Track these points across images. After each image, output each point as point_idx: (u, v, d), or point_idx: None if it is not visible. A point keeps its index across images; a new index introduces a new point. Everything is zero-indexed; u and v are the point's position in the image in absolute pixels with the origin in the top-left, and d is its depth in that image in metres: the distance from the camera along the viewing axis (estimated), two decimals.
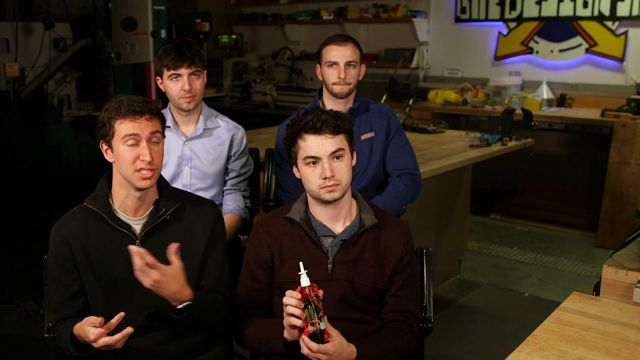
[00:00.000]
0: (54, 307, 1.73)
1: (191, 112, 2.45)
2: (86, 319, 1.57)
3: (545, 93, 5.31)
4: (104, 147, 1.68)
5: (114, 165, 1.69)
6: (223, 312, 1.78)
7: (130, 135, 1.62)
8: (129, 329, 1.53)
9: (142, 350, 1.72)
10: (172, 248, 1.58)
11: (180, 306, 1.62)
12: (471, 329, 3.37)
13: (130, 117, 1.62)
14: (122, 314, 1.54)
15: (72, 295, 1.71)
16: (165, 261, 1.72)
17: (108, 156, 1.69)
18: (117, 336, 1.52)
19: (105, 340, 1.51)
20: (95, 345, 1.53)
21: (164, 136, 1.71)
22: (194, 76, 2.35)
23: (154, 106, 1.67)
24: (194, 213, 1.78)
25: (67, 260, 1.69)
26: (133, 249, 1.53)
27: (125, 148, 1.63)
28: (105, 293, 1.71)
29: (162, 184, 1.78)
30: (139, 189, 1.67)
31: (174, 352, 1.76)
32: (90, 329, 1.53)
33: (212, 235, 1.79)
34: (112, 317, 1.65)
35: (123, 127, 1.62)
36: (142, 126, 1.62)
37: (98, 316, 1.70)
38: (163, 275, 1.55)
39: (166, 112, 2.45)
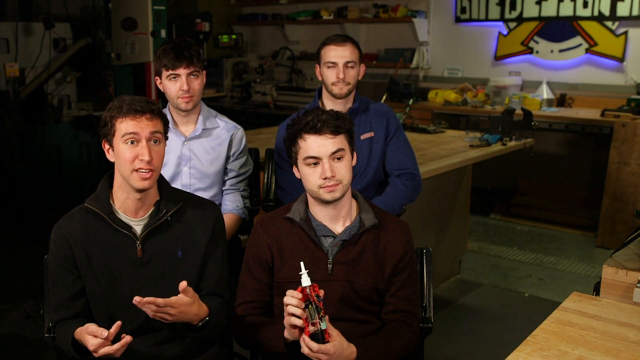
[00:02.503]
0: (54, 307, 1.73)
1: (190, 112, 2.45)
2: (86, 326, 1.57)
3: (545, 93, 5.31)
4: (106, 146, 1.69)
5: (115, 165, 1.70)
6: (225, 316, 1.79)
7: (130, 133, 1.62)
8: (128, 338, 1.52)
9: (142, 350, 1.72)
10: (182, 285, 1.58)
11: (200, 323, 1.67)
12: (471, 329, 3.37)
13: (131, 116, 1.62)
14: (119, 323, 1.54)
15: (72, 295, 1.71)
16: (165, 261, 1.72)
17: (110, 156, 1.69)
18: (117, 345, 1.52)
19: (105, 350, 1.52)
20: (96, 355, 1.54)
21: (166, 137, 1.72)
22: (192, 76, 2.35)
23: (156, 106, 1.68)
24: (194, 214, 1.78)
25: (68, 261, 1.70)
26: (137, 299, 1.53)
27: (125, 147, 1.63)
28: (106, 294, 1.71)
29: (162, 185, 1.78)
30: (138, 190, 1.67)
31: (173, 352, 1.76)
32: (89, 338, 1.53)
33: (213, 237, 1.79)
34: (113, 317, 1.66)
35: (123, 126, 1.63)
36: (142, 125, 1.63)
37: (99, 317, 1.71)
38: (180, 306, 1.58)
39: (165, 112, 2.45)
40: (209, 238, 1.78)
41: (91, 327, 1.54)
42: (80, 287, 1.71)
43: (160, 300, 1.54)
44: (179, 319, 1.61)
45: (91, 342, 1.52)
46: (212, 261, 1.79)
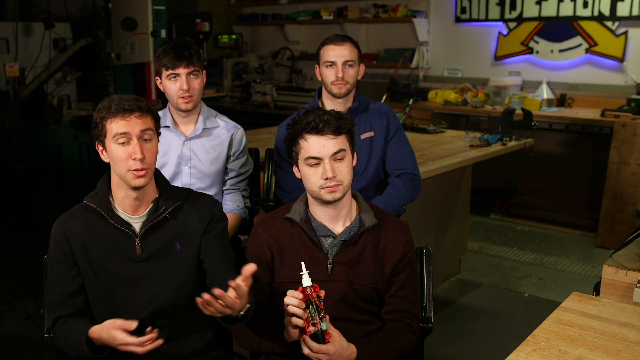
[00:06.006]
0: (53, 304, 1.72)
1: (190, 112, 2.44)
2: (112, 321, 1.55)
3: (545, 93, 5.31)
4: (100, 148, 1.69)
5: (110, 165, 1.70)
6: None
7: (121, 134, 1.62)
8: (159, 341, 1.52)
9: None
10: (249, 271, 1.51)
11: (242, 312, 1.59)
12: (471, 329, 3.37)
13: (120, 116, 1.62)
14: (153, 330, 1.53)
15: (71, 292, 1.70)
16: (164, 257, 1.72)
17: (104, 157, 1.69)
18: (148, 347, 1.52)
19: (133, 348, 1.51)
20: (122, 348, 1.53)
21: (158, 134, 1.71)
22: (192, 76, 2.35)
23: (144, 103, 1.67)
24: (190, 207, 1.78)
25: (68, 257, 1.70)
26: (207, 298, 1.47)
27: (117, 147, 1.63)
28: (106, 291, 1.71)
29: (161, 182, 1.78)
30: (135, 188, 1.67)
31: (174, 352, 1.76)
32: (117, 333, 1.52)
33: (209, 224, 1.77)
34: (113, 314, 1.66)
35: (114, 126, 1.62)
36: (132, 124, 1.62)
37: (99, 314, 1.71)
38: (245, 293, 1.52)
39: (166, 112, 2.45)
40: (206, 224, 1.77)
41: (118, 321, 1.53)
42: (79, 283, 1.71)
43: (239, 288, 1.48)
44: (232, 309, 1.53)
45: (121, 337, 1.51)
46: (209, 239, 1.76)
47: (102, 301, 1.72)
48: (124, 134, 1.62)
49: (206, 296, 1.47)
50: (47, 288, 1.82)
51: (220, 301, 1.48)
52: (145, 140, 1.65)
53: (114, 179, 1.70)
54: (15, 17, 4.95)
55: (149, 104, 1.70)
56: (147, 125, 1.65)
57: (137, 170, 1.63)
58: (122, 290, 1.71)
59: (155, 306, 1.71)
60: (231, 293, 1.50)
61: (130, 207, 1.71)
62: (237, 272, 1.76)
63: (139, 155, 1.61)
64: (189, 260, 1.74)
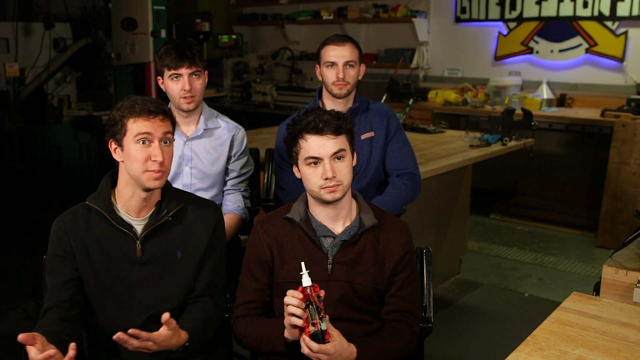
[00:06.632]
0: (46, 297, 1.69)
1: (192, 113, 2.45)
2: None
3: (545, 93, 5.31)
4: (114, 145, 1.68)
5: (120, 164, 1.69)
6: (213, 325, 1.78)
7: (144, 133, 1.62)
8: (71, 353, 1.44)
9: (140, 350, 1.71)
10: (165, 318, 1.56)
11: (180, 349, 1.65)
12: (471, 329, 3.37)
13: (145, 117, 1.63)
14: (73, 344, 1.46)
15: (65, 281, 1.66)
16: (165, 261, 1.72)
17: (117, 155, 1.69)
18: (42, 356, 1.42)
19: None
20: None
21: (173, 138, 1.72)
22: (194, 76, 2.35)
23: (167, 107, 1.69)
24: (195, 214, 1.78)
25: (67, 253, 1.69)
26: (121, 336, 1.49)
27: (137, 147, 1.63)
28: (104, 292, 1.70)
29: (165, 185, 1.78)
30: (146, 190, 1.67)
31: (174, 353, 1.75)
32: (31, 349, 1.46)
33: (212, 238, 1.79)
34: (109, 314, 1.65)
35: (136, 126, 1.63)
36: (155, 126, 1.63)
37: (94, 313, 1.69)
38: (161, 342, 1.56)
39: None
40: (209, 239, 1.78)
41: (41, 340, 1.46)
42: (75, 276, 1.68)
43: (144, 334, 1.52)
44: (160, 349, 1.59)
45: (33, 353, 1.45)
46: (208, 264, 1.78)
47: (99, 302, 1.71)
48: (147, 134, 1.62)
49: (121, 335, 1.50)
50: (46, 287, 1.80)
51: (134, 341, 1.51)
52: (165, 143, 1.66)
53: (123, 178, 1.70)
54: (15, 17, 4.94)
55: (170, 109, 1.72)
56: (169, 128, 1.67)
57: (154, 171, 1.63)
58: (120, 291, 1.70)
59: (152, 310, 1.71)
60: (161, 332, 1.55)
61: (135, 208, 1.71)
62: (232, 281, 1.78)
63: (159, 158, 1.63)
64: (189, 268, 1.75)
